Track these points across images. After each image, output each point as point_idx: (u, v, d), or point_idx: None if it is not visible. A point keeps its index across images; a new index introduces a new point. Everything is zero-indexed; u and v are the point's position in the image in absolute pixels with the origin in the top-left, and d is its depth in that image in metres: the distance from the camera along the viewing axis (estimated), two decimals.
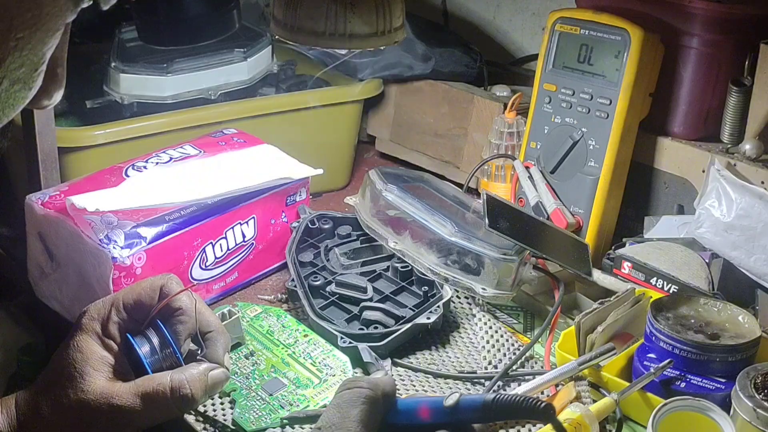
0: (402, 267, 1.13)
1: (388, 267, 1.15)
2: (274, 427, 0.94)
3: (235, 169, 1.18)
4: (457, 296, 1.15)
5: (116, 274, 1.03)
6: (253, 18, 1.61)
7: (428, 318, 1.06)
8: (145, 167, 1.16)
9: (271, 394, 0.97)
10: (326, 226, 1.21)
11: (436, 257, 1.11)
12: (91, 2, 0.63)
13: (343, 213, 1.24)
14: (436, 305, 1.08)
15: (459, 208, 1.19)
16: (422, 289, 1.11)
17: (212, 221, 1.12)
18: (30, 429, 0.89)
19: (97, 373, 0.89)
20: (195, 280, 1.12)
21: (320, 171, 1.23)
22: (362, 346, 1.02)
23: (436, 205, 1.16)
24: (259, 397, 0.97)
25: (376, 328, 1.05)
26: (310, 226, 1.20)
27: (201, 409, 0.96)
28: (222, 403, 0.97)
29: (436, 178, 1.29)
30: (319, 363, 1.01)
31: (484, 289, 1.09)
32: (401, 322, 1.06)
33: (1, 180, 1.39)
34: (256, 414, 0.95)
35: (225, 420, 0.95)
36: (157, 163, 1.17)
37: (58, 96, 0.67)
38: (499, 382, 1.01)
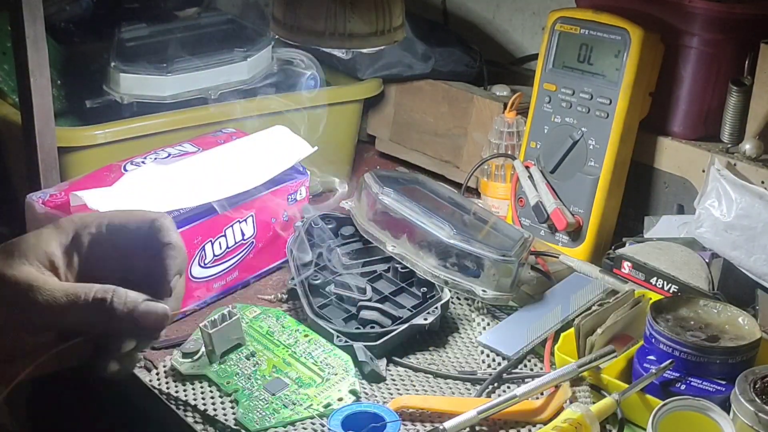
0: (402, 268, 1.13)
1: (389, 268, 1.15)
2: (277, 427, 0.94)
3: (237, 163, 1.18)
4: (457, 297, 1.15)
5: None
6: (253, 18, 1.60)
7: (425, 319, 1.07)
8: (143, 163, 1.16)
9: (273, 394, 0.97)
10: (329, 226, 1.21)
11: (435, 260, 1.11)
12: None
13: (346, 214, 1.24)
14: (434, 306, 1.08)
15: (456, 210, 1.19)
16: (421, 290, 1.11)
17: (211, 219, 1.12)
18: None
19: (35, 263, 0.82)
20: (194, 278, 1.12)
21: (315, 149, 1.24)
22: (357, 345, 1.02)
23: (433, 207, 1.16)
24: (261, 398, 0.97)
25: (372, 327, 1.06)
26: (313, 225, 1.20)
27: (201, 408, 0.96)
28: (223, 404, 0.97)
29: (431, 180, 1.29)
30: (321, 362, 1.01)
31: (484, 291, 1.09)
32: (398, 322, 1.06)
33: (1, 180, 1.39)
34: (260, 414, 0.95)
35: (226, 420, 0.95)
36: (155, 159, 1.17)
37: None
38: (496, 383, 1.01)
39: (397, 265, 1.14)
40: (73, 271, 0.85)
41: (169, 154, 1.19)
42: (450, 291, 1.11)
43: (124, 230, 0.86)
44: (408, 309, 1.09)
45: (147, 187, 1.12)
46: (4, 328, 0.80)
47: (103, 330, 0.81)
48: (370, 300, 1.09)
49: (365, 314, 1.07)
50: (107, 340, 0.82)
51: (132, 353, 0.83)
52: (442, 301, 1.09)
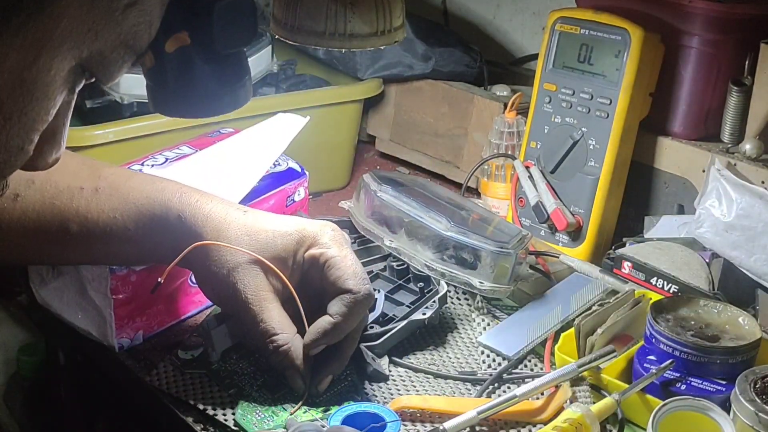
0: (399, 265, 1.13)
1: (385, 267, 1.15)
2: (276, 429, 0.94)
3: (232, 161, 1.18)
4: (457, 297, 1.15)
5: (113, 283, 1.02)
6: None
7: (424, 314, 1.07)
8: (140, 170, 1.15)
9: (273, 395, 0.97)
10: None
11: (432, 253, 1.11)
12: (93, 80, 0.63)
13: (340, 217, 1.24)
14: (432, 300, 1.08)
15: (454, 208, 1.19)
16: (418, 285, 1.11)
17: None
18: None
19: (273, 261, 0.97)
20: (194, 283, 1.12)
21: (307, 118, 1.25)
22: (359, 346, 1.02)
23: (431, 203, 1.16)
24: (261, 398, 0.97)
25: (372, 327, 1.05)
26: None
27: (201, 407, 0.96)
28: (223, 404, 0.97)
29: (431, 182, 1.29)
30: None
31: (481, 282, 1.09)
32: (397, 319, 1.06)
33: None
34: (259, 415, 0.94)
35: (226, 420, 0.95)
36: (153, 165, 1.16)
37: (54, 158, 0.67)
38: (496, 383, 1.01)
39: (393, 263, 1.14)
40: (293, 280, 0.98)
41: (167, 159, 1.18)
42: (447, 284, 1.11)
43: (329, 275, 0.98)
44: (406, 305, 1.09)
45: None
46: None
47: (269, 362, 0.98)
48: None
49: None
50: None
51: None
52: (440, 295, 1.09)
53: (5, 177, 0.65)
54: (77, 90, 0.64)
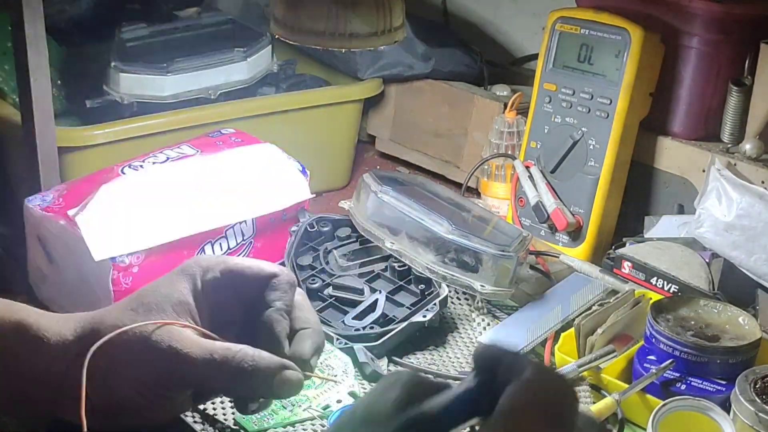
0: (400, 266, 1.13)
1: (386, 267, 1.15)
2: (276, 428, 0.93)
3: (226, 192, 1.15)
4: (457, 297, 1.15)
5: (115, 274, 1.03)
6: (253, 18, 1.60)
7: (424, 316, 1.07)
8: (141, 167, 1.16)
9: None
10: (325, 229, 1.21)
11: (434, 256, 1.11)
12: None
13: (342, 215, 1.24)
14: (433, 303, 1.08)
15: (455, 209, 1.19)
16: (419, 287, 1.11)
17: None
18: (84, 348, 0.80)
19: (172, 315, 0.83)
20: None
21: (312, 195, 1.22)
22: (358, 347, 1.02)
23: (432, 205, 1.16)
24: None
25: (372, 328, 1.05)
26: (309, 229, 1.20)
27: (201, 408, 0.96)
28: (223, 403, 0.97)
29: (432, 181, 1.29)
30: (321, 363, 1.01)
31: (482, 286, 1.09)
32: (397, 321, 1.06)
33: (1, 179, 1.39)
34: (259, 415, 0.94)
35: (225, 420, 0.95)
36: (154, 163, 1.16)
37: None
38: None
39: (395, 264, 1.14)
40: (204, 318, 0.85)
41: (168, 158, 1.18)
42: (448, 287, 1.11)
43: (241, 278, 0.87)
44: (407, 307, 1.09)
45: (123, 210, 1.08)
46: (140, 385, 0.81)
47: (240, 393, 0.85)
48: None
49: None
50: (243, 396, 0.86)
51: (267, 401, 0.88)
52: (440, 297, 1.09)
53: None
54: None
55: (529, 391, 0.55)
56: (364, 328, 1.06)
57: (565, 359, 0.99)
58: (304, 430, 0.93)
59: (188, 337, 0.82)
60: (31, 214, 1.10)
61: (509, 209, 1.32)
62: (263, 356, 0.83)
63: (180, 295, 0.84)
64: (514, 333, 1.08)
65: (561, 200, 1.26)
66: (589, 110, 1.24)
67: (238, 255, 1.16)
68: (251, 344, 0.83)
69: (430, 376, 0.83)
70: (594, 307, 1.05)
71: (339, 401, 0.96)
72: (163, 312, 0.82)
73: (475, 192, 1.41)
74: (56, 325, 0.83)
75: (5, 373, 0.81)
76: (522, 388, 0.55)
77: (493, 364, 0.58)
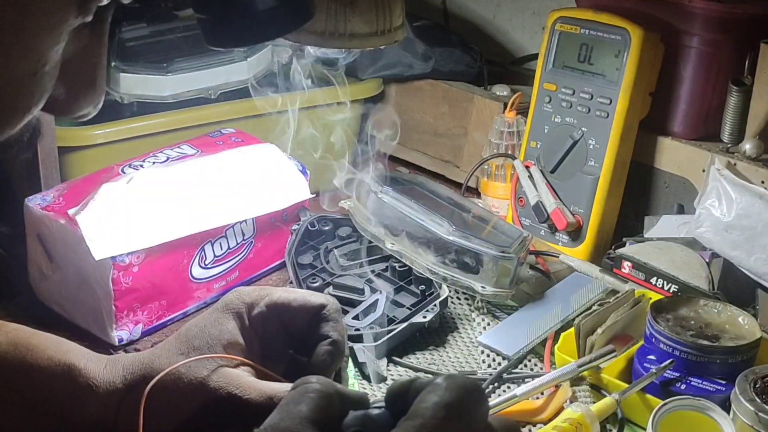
0: (400, 267, 1.13)
1: (387, 267, 1.15)
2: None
3: (227, 192, 1.16)
4: (457, 297, 1.15)
5: (115, 274, 1.03)
6: None
7: (424, 317, 1.07)
8: (141, 166, 1.16)
9: None
10: (326, 228, 1.21)
11: (434, 257, 1.11)
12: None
13: (343, 214, 1.24)
14: (433, 303, 1.08)
15: (455, 209, 1.19)
16: (420, 288, 1.11)
17: None
18: (134, 394, 0.79)
19: (226, 359, 0.80)
20: (195, 279, 1.12)
21: (312, 195, 1.22)
22: (357, 347, 1.02)
23: (432, 205, 1.16)
24: None
25: (372, 328, 1.05)
26: (309, 228, 1.20)
27: None
28: None
29: (431, 181, 1.29)
30: None
31: (483, 287, 1.09)
32: (398, 321, 1.06)
33: (1, 179, 1.39)
34: None
35: None
36: (154, 163, 1.16)
37: (91, 105, 0.60)
38: (496, 383, 1.01)
39: (395, 264, 1.14)
40: (255, 354, 0.83)
41: (168, 157, 1.18)
42: (449, 288, 1.11)
43: (287, 310, 0.84)
44: (407, 307, 1.09)
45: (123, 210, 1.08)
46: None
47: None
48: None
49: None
50: None
51: None
52: (441, 298, 1.09)
53: (29, 111, 0.56)
54: (91, 11, 0.54)
55: (437, 391, 0.56)
56: (364, 328, 1.06)
57: (565, 359, 0.99)
58: None
59: (245, 381, 0.79)
60: (32, 214, 1.10)
61: (509, 209, 1.32)
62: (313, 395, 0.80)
63: (230, 336, 0.81)
64: (514, 333, 1.08)
65: (561, 200, 1.26)
66: (589, 110, 1.24)
67: (238, 254, 1.17)
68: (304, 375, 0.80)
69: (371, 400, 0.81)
70: (594, 307, 1.05)
71: None
72: (213, 352, 0.80)
73: (475, 192, 1.41)
74: (104, 370, 0.81)
75: (55, 420, 0.80)
76: (431, 390, 0.57)
77: (404, 389, 0.59)
